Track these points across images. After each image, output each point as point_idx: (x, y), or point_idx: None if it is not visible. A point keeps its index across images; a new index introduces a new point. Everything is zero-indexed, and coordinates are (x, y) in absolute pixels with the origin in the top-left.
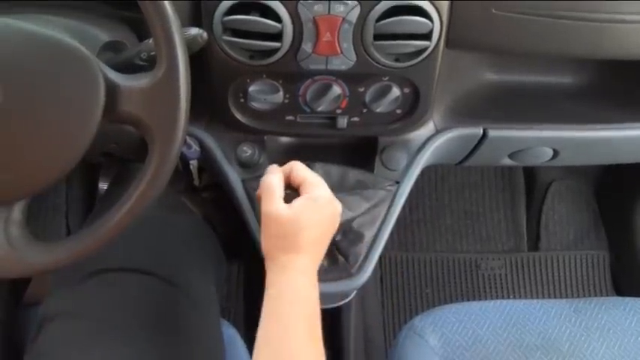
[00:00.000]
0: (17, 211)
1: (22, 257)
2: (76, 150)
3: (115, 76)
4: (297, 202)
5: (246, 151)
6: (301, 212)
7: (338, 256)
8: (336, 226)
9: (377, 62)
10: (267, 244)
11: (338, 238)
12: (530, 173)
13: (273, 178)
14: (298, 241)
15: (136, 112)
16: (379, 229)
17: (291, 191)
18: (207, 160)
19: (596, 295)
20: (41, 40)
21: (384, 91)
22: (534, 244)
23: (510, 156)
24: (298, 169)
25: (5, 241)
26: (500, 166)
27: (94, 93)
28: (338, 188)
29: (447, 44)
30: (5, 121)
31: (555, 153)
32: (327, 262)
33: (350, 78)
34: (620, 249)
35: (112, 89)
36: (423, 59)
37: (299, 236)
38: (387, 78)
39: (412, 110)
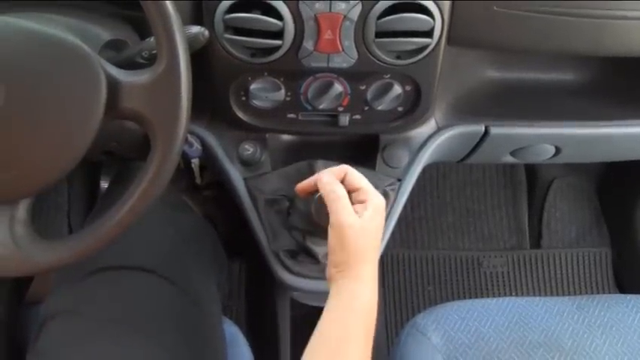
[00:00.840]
0: (22, 209)
1: (27, 256)
2: (79, 148)
3: (116, 72)
4: (364, 212)
5: (248, 149)
6: (372, 223)
7: None
8: None
9: (378, 60)
10: (344, 255)
11: None
12: (532, 171)
13: (341, 189)
14: (371, 250)
15: (137, 108)
16: None
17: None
18: (208, 158)
19: (598, 292)
20: (42, 38)
21: (386, 89)
22: (536, 241)
23: (512, 153)
24: (353, 172)
25: (10, 240)
26: (501, 164)
27: (95, 90)
28: None
29: (449, 41)
30: (7, 119)
31: (557, 150)
32: None
33: (351, 76)
34: (622, 246)
35: (113, 86)
36: (425, 57)
37: (370, 246)
38: (388, 76)
39: (414, 108)
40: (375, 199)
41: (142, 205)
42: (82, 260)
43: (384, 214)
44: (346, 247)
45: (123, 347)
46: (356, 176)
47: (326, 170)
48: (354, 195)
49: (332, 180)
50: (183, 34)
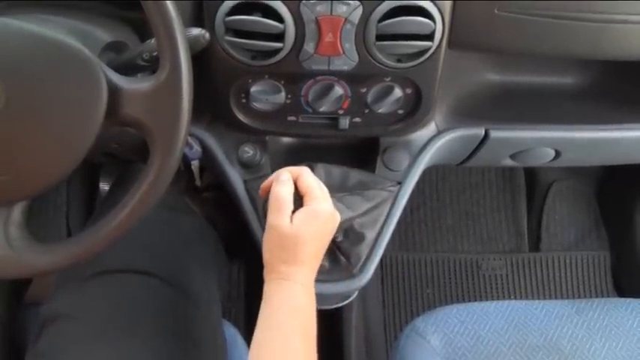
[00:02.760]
0: (17, 211)
1: (21, 258)
2: (77, 152)
3: (117, 78)
4: (298, 215)
5: (248, 151)
6: (302, 227)
7: (339, 257)
8: (334, 231)
9: (379, 63)
10: (268, 255)
11: (339, 238)
12: (531, 174)
13: (285, 192)
14: (298, 254)
15: (138, 116)
16: (381, 230)
17: (298, 197)
18: (208, 160)
19: (597, 296)
20: (44, 41)
21: (386, 92)
22: (535, 244)
23: (512, 157)
24: (306, 177)
25: (5, 241)
26: (501, 167)
27: (96, 96)
28: (339, 189)
29: (449, 45)
30: (7, 122)
31: (557, 154)
32: (329, 263)
33: (352, 78)
34: (621, 249)
35: (114, 92)
36: (425, 60)
37: (299, 250)
38: (389, 78)
39: (414, 111)
40: (313, 205)
41: (140, 211)
42: (77, 264)
43: (325, 221)
44: (270, 248)
45: (123, 351)
46: (304, 180)
47: (284, 169)
48: (304, 199)
49: (284, 180)
50: (184, 37)
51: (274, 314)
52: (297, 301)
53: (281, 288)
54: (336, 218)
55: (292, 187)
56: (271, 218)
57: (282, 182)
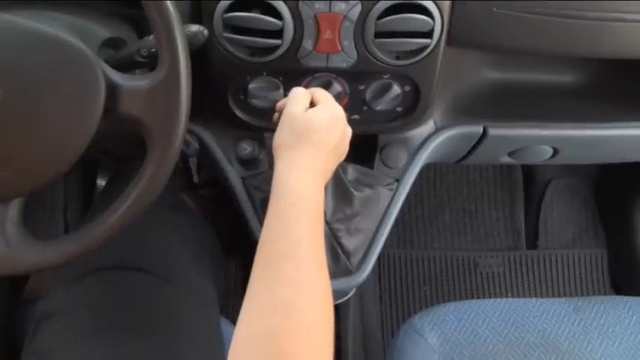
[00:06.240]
0: (14, 208)
1: (18, 255)
2: (75, 149)
3: (115, 76)
4: (312, 108)
5: (246, 148)
6: (315, 115)
7: (340, 254)
8: (346, 149)
9: (378, 60)
10: (278, 139)
11: (340, 234)
12: (529, 171)
13: (303, 91)
14: (305, 135)
15: (136, 113)
16: (379, 227)
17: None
18: (206, 157)
19: (594, 293)
20: (41, 37)
21: (385, 89)
22: (532, 242)
23: (510, 154)
24: (322, 91)
25: (1, 238)
26: (499, 165)
27: (94, 92)
28: (337, 185)
29: (448, 42)
30: (4, 118)
31: (555, 151)
32: (330, 259)
33: (350, 76)
34: (619, 247)
35: (112, 89)
36: (424, 57)
37: (306, 133)
38: (387, 76)
39: (412, 108)
40: (329, 104)
41: (137, 209)
42: (73, 261)
43: (338, 117)
44: (278, 138)
45: (118, 348)
46: (321, 92)
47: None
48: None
49: (304, 89)
50: (183, 35)
51: (278, 204)
52: (300, 191)
53: (284, 177)
54: (349, 131)
55: (310, 96)
56: (287, 107)
57: (304, 89)
